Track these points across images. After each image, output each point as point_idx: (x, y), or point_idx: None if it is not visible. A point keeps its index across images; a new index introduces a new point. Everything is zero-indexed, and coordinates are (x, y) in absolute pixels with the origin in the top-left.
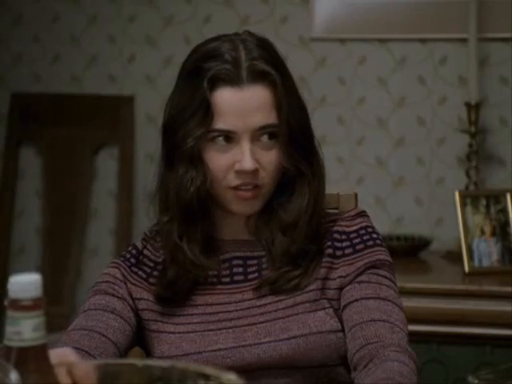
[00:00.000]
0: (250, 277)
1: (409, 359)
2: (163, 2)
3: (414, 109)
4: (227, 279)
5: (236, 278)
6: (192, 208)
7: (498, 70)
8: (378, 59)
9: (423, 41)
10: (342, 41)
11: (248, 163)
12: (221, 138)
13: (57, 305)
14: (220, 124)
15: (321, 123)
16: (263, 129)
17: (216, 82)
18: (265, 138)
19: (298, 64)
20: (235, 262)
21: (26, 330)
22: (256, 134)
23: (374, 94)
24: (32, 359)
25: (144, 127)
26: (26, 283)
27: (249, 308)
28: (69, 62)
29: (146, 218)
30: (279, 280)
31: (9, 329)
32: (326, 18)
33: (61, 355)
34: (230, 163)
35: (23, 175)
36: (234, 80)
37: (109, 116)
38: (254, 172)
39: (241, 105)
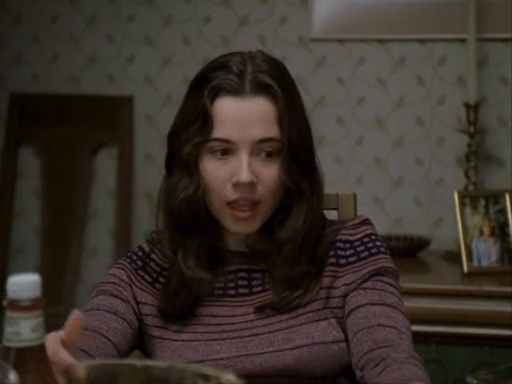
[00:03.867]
0: (255, 290)
1: (422, 365)
2: (162, 2)
3: (413, 109)
4: (232, 292)
5: (241, 290)
6: (181, 216)
7: (497, 70)
8: (377, 59)
9: (422, 41)
10: (341, 41)
11: (245, 175)
12: (219, 151)
13: (56, 305)
14: (219, 133)
15: (320, 123)
16: (262, 142)
17: (218, 91)
18: (263, 154)
19: (297, 64)
20: (240, 274)
21: (24, 330)
22: (255, 148)
23: (373, 94)
24: (31, 359)
25: (143, 127)
26: (24, 283)
27: (252, 320)
28: (68, 62)
29: (145, 218)
30: (280, 303)
31: (8, 329)
32: (325, 19)
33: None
34: (227, 176)
35: (22, 175)
36: (235, 90)
37: (108, 116)
38: (251, 185)
39: (241, 115)
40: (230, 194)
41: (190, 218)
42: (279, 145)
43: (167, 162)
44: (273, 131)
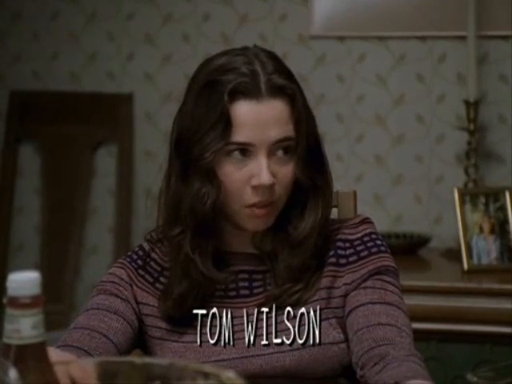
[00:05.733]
0: (255, 291)
1: (422, 363)
2: (162, 0)
3: (412, 106)
4: (233, 293)
5: (242, 292)
6: (207, 222)
7: (497, 67)
8: (377, 57)
9: (422, 38)
10: (341, 38)
11: (265, 177)
12: (237, 152)
13: (55, 303)
14: (238, 137)
15: (320, 121)
16: (280, 142)
17: (235, 94)
18: (280, 152)
19: (297, 62)
20: (241, 275)
21: (24, 327)
22: (272, 148)
23: (373, 91)
24: (31, 357)
25: (143, 125)
26: (24, 281)
27: (253, 321)
28: (68, 60)
29: (145, 217)
30: (282, 296)
31: (8, 326)
32: (325, 16)
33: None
34: (246, 178)
35: (22, 173)
36: (253, 93)
37: (108, 114)
38: (271, 187)
39: (259, 118)
40: (250, 197)
41: (213, 222)
42: (295, 143)
43: (181, 169)
44: (288, 130)
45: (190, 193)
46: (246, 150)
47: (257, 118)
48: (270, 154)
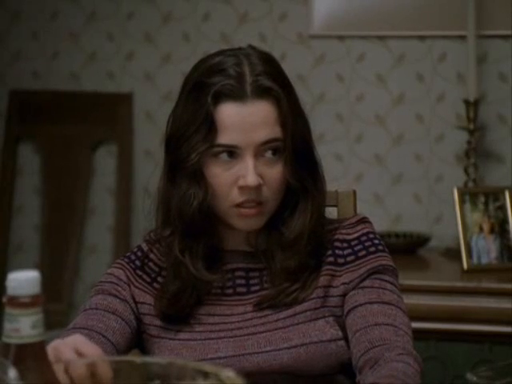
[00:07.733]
0: (252, 289)
1: (413, 361)
2: None
3: (412, 106)
4: (230, 291)
5: (239, 289)
6: (194, 223)
7: (497, 66)
8: (377, 56)
9: (422, 38)
10: (341, 38)
11: (251, 178)
12: (224, 154)
13: (55, 302)
14: (224, 139)
15: (319, 120)
16: (267, 143)
17: (220, 97)
18: (269, 153)
19: (296, 61)
20: (238, 273)
21: (24, 327)
22: (260, 150)
23: (372, 91)
24: (30, 356)
25: (142, 124)
26: (24, 280)
27: (250, 319)
28: (67, 59)
29: (144, 216)
30: (278, 296)
31: (7, 326)
32: (325, 15)
33: (74, 343)
34: (233, 179)
35: (22, 172)
36: (237, 95)
37: (107, 113)
38: (258, 188)
39: (245, 120)
40: (237, 197)
41: (202, 223)
42: (282, 144)
43: (169, 170)
44: (275, 132)
45: (178, 194)
46: (233, 151)
47: (242, 119)
48: (258, 155)
